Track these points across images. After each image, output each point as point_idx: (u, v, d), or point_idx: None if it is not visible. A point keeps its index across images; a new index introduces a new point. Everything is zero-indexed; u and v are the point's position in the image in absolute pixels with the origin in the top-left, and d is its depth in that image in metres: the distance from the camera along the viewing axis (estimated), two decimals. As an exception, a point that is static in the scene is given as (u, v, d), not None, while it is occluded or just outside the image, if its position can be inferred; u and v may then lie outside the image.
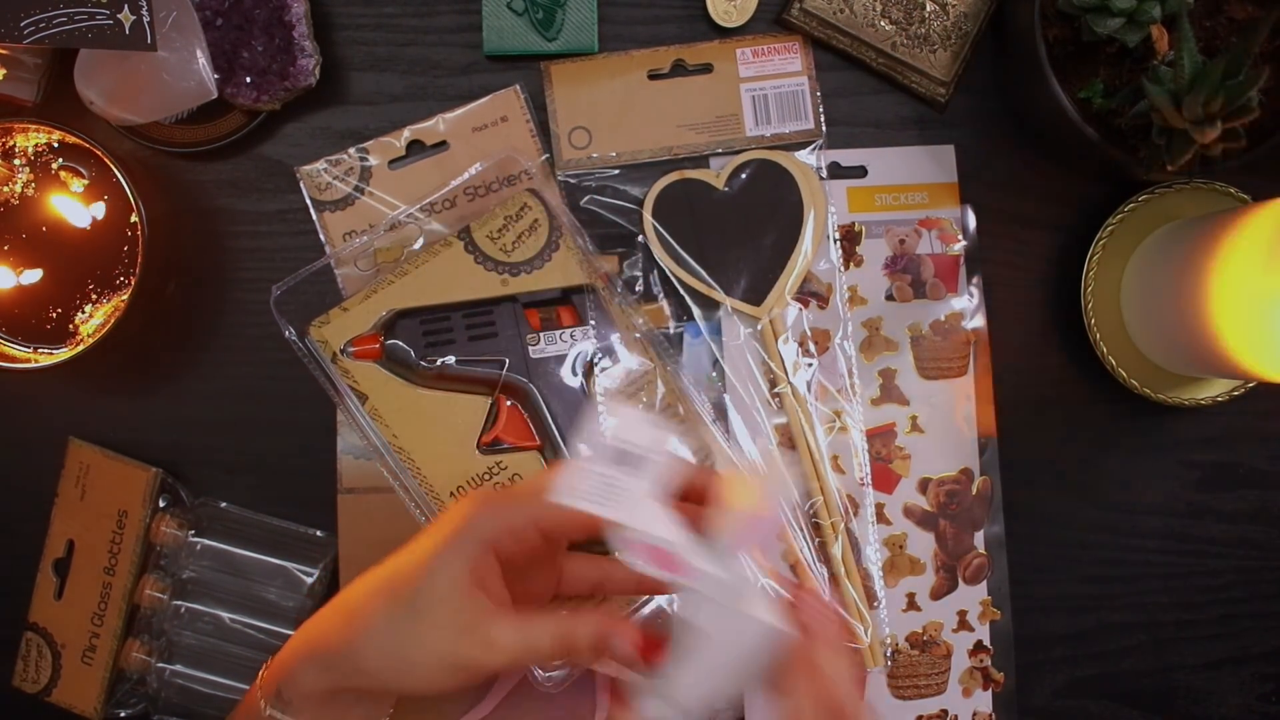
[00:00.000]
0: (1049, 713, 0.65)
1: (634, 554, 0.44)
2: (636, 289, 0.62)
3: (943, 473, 0.62)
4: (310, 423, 0.62)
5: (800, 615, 0.44)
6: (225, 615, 0.62)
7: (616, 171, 0.62)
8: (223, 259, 0.64)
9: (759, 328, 0.61)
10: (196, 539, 0.62)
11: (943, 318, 0.63)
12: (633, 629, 0.45)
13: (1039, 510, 0.65)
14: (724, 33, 0.63)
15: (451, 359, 0.57)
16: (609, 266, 0.61)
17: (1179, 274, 0.57)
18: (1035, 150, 0.64)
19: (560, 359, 0.58)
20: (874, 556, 0.61)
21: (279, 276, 0.58)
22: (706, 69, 0.63)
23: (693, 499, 0.47)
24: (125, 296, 0.58)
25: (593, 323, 0.59)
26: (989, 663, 0.62)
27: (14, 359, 0.59)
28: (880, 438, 0.62)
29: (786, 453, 0.61)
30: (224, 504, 0.63)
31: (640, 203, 0.62)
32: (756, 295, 0.61)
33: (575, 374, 0.58)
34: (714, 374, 0.62)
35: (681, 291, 0.61)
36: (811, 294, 0.62)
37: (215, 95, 0.59)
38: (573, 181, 0.62)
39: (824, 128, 0.63)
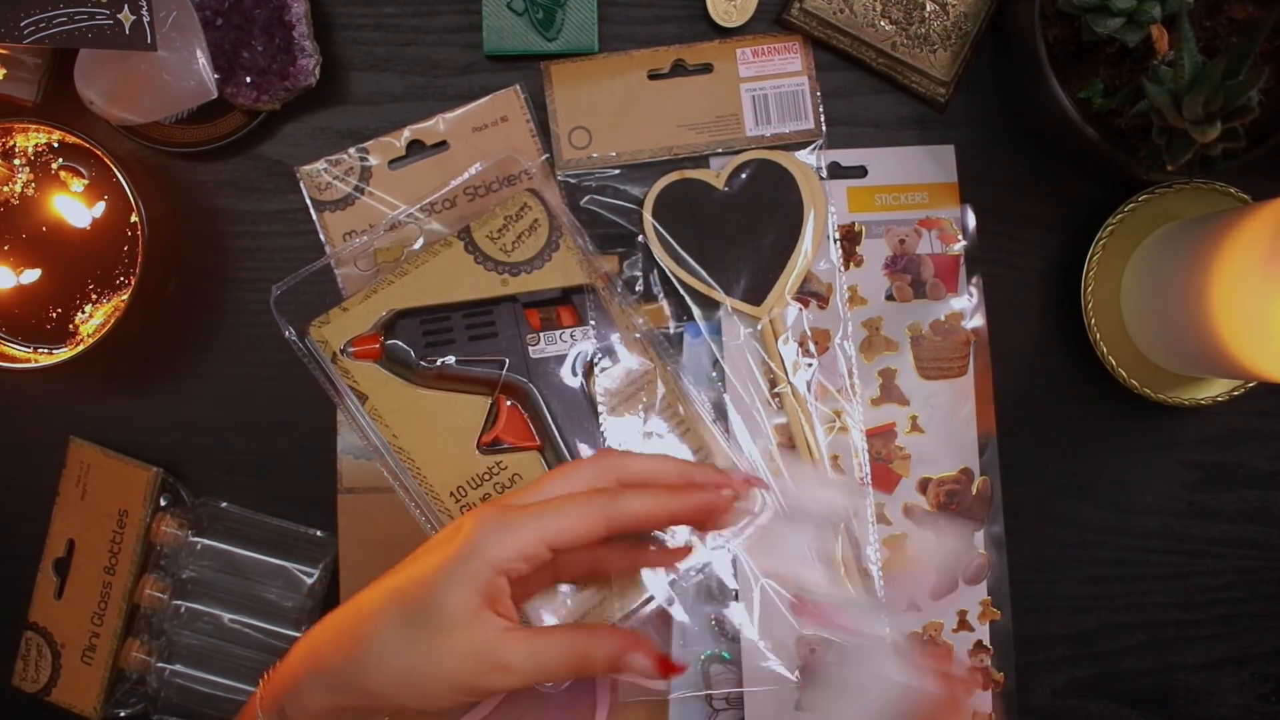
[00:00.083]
0: (1049, 713, 0.65)
1: (792, 605, 0.49)
2: (636, 289, 0.62)
3: (943, 473, 0.62)
4: (310, 423, 0.62)
5: (934, 677, 0.45)
6: (225, 615, 0.62)
7: (616, 171, 0.62)
8: (223, 259, 0.64)
9: (759, 328, 0.61)
10: (196, 539, 0.62)
11: (943, 318, 0.63)
12: (649, 644, 0.46)
13: (1039, 510, 0.65)
14: (724, 33, 0.63)
15: (451, 359, 0.57)
16: (609, 266, 0.61)
17: (1179, 274, 0.57)
18: (1035, 150, 0.64)
19: (560, 359, 0.58)
20: (874, 556, 0.61)
21: (279, 276, 0.58)
22: (706, 69, 0.63)
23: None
24: (125, 296, 0.58)
25: (593, 323, 0.59)
26: (989, 663, 0.62)
27: (14, 359, 0.59)
28: (880, 438, 0.62)
29: (787, 453, 0.61)
30: (224, 504, 0.64)
31: (640, 203, 0.62)
32: (756, 295, 0.61)
33: (575, 374, 0.58)
34: (714, 374, 0.62)
35: (681, 291, 0.61)
36: (811, 294, 0.62)
37: (215, 95, 0.59)
38: (573, 181, 0.62)
39: (824, 128, 0.63)
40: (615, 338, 0.59)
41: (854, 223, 0.63)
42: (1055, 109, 0.56)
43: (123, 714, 0.63)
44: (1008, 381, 0.64)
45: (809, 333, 0.62)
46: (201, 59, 0.58)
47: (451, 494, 0.57)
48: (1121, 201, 0.62)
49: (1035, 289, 0.65)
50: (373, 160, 0.62)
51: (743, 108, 0.62)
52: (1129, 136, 0.57)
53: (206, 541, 0.62)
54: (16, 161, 0.60)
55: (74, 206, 0.60)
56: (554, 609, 0.55)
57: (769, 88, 0.63)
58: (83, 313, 0.60)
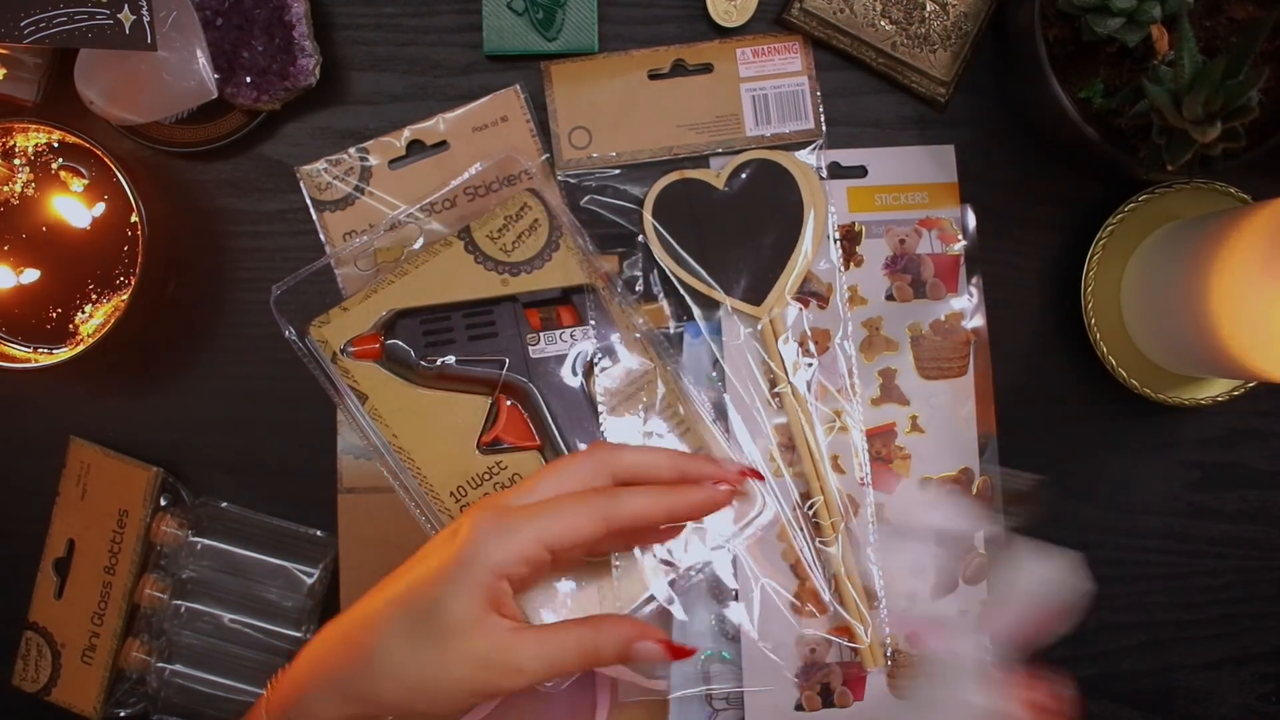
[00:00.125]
0: (1049, 713, 0.65)
1: (908, 621, 0.51)
2: (636, 289, 0.62)
3: (943, 472, 0.62)
4: (310, 423, 0.62)
5: (1024, 706, 0.47)
6: (225, 615, 0.62)
7: (616, 171, 0.62)
8: (223, 259, 0.64)
9: (759, 327, 0.61)
10: (196, 539, 0.62)
11: (943, 318, 0.63)
12: (657, 631, 0.46)
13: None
14: (724, 33, 0.63)
15: (451, 359, 0.57)
16: (609, 266, 0.61)
17: (1179, 274, 0.57)
18: (1035, 150, 0.64)
19: (560, 359, 0.58)
20: (874, 556, 0.61)
21: (279, 276, 0.58)
22: (706, 69, 0.63)
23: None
24: (125, 296, 0.58)
25: (593, 323, 0.59)
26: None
27: (14, 359, 0.59)
28: (880, 438, 0.62)
29: (787, 453, 0.61)
30: (224, 504, 0.64)
31: (640, 203, 0.62)
32: (756, 295, 0.61)
33: (575, 374, 0.58)
34: (714, 374, 0.62)
35: (681, 291, 0.61)
36: (811, 294, 0.62)
37: (215, 95, 0.59)
38: (573, 181, 0.62)
39: (824, 128, 0.63)
40: (615, 338, 0.59)
41: (854, 223, 0.63)
42: (1055, 109, 0.56)
43: (123, 714, 0.63)
44: (1008, 381, 0.64)
45: (809, 333, 0.62)
46: (201, 59, 0.58)
47: (451, 494, 0.57)
48: (1121, 201, 0.62)
49: (1035, 289, 0.65)
50: (373, 160, 0.62)
51: (743, 108, 0.62)
52: (1129, 136, 0.57)
53: (206, 541, 0.62)
54: (16, 161, 0.60)
55: (74, 206, 0.60)
56: (554, 609, 0.55)
57: (769, 88, 0.63)
58: (83, 313, 0.60)
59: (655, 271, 0.62)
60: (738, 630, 0.60)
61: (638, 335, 0.60)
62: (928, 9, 0.62)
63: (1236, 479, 0.66)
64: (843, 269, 0.62)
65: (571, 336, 0.59)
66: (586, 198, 0.62)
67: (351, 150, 0.62)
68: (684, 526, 0.54)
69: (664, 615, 0.58)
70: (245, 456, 0.64)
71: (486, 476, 0.58)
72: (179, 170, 0.64)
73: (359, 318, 0.58)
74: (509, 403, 0.58)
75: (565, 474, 0.47)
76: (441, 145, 0.62)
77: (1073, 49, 0.57)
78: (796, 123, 0.63)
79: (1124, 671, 0.65)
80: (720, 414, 0.61)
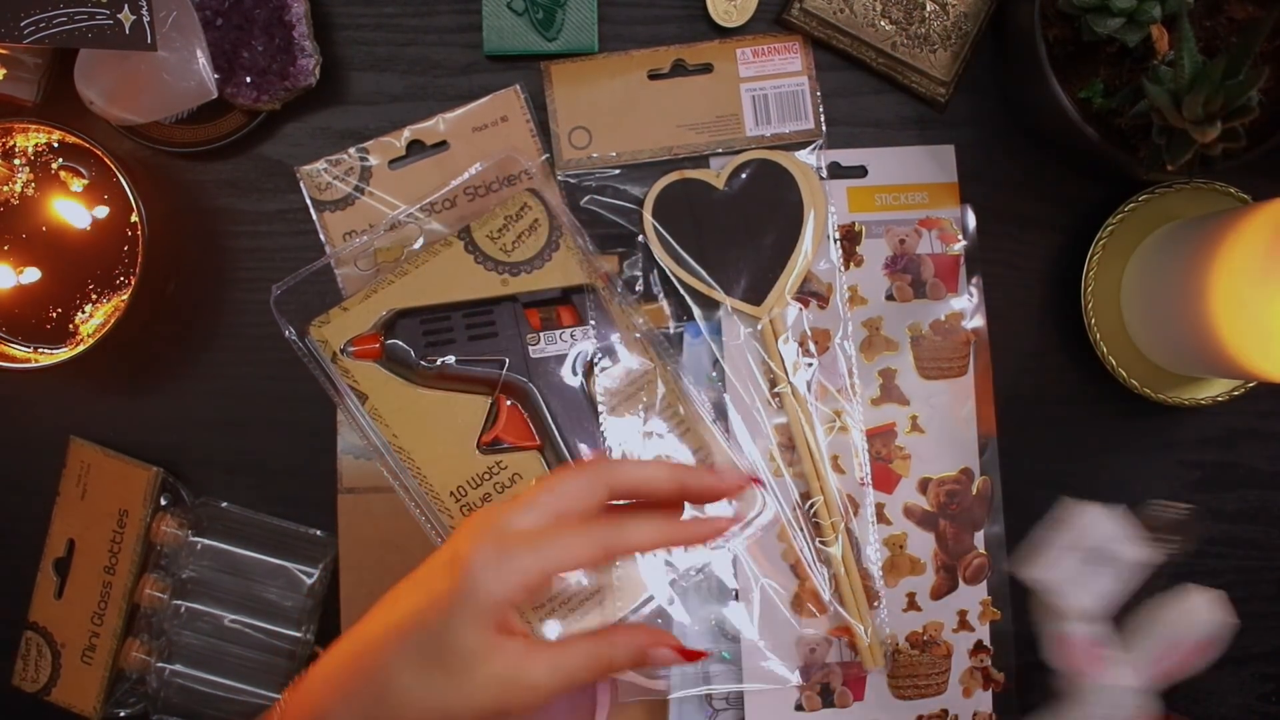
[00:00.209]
0: (1049, 713, 0.65)
1: (1067, 640, 0.53)
2: (636, 289, 0.62)
3: (943, 473, 0.62)
4: (310, 423, 0.62)
5: None
6: (225, 615, 0.62)
7: (616, 171, 0.62)
8: (223, 259, 0.64)
9: (759, 328, 0.61)
10: (197, 539, 0.62)
11: (943, 318, 0.63)
12: (669, 637, 0.47)
13: (1039, 510, 0.65)
14: (724, 33, 0.63)
15: (451, 359, 0.57)
16: (609, 266, 0.61)
17: (1179, 274, 0.57)
18: (1035, 150, 0.64)
19: (560, 359, 0.58)
20: (874, 556, 0.61)
21: (279, 276, 0.58)
22: (706, 69, 0.63)
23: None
24: (125, 296, 0.58)
25: (593, 323, 0.59)
26: (989, 663, 0.62)
27: (14, 359, 0.59)
28: (880, 438, 0.62)
29: (787, 453, 0.61)
30: (224, 504, 0.64)
31: (640, 203, 0.62)
32: (756, 295, 0.61)
33: (575, 374, 0.58)
34: (714, 374, 0.62)
35: (681, 291, 0.61)
36: (811, 294, 0.62)
37: (215, 95, 0.59)
38: (573, 181, 0.62)
39: (824, 128, 0.63)
40: (615, 338, 0.59)
41: (854, 223, 0.63)
42: (1055, 109, 0.56)
43: (122, 714, 0.63)
44: (1008, 381, 0.64)
45: (809, 333, 0.62)
46: (201, 59, 0.58)
47: (451, 493, 0.57)
48: (1121, 201, 0.62)
49: (1035, 289, 0.65)
50: (373, 160, 0.62)
51: (743, 108, 0.62)
52: (1129, 136, 0.57)
53: (206, 541, 0.62)
54: (16, 161, 0.60)
55: (74, 206, 0.60)
56: (555, 609, 0.55)
57: (769, 88, 0.63)
58: (83, 313, 0.60)
59: (655, 271, 0.62)
60: (738, 630, 0.60)
61: (638, 335, 0.60)
62: (928, 9, 0.62)
63: (1236, 479, 0.66)
64: (843, 269, 0.62)
65: (571, 336, 0.59)
66: (586, 198, 0.62)
67: (351, 150, 0.62)
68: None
69: (662, 615, 0.58)
70: (245, 456, 0.64)
71: (486, 476, 0.58)
72: (179, 170, 0.64)
73: (359, 318, 0.58)
74: (509, 403, 0.58)
75: (562, 491, 0.46)
76: (441, 145, 0.62)
77: (1073, 49, 0.57)
78: (796, 123, 0.63)
79: (1124, 671, 0.65)
80: (720, 414, 0.61)
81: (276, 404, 0.63)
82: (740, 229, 0.61)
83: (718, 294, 0.61)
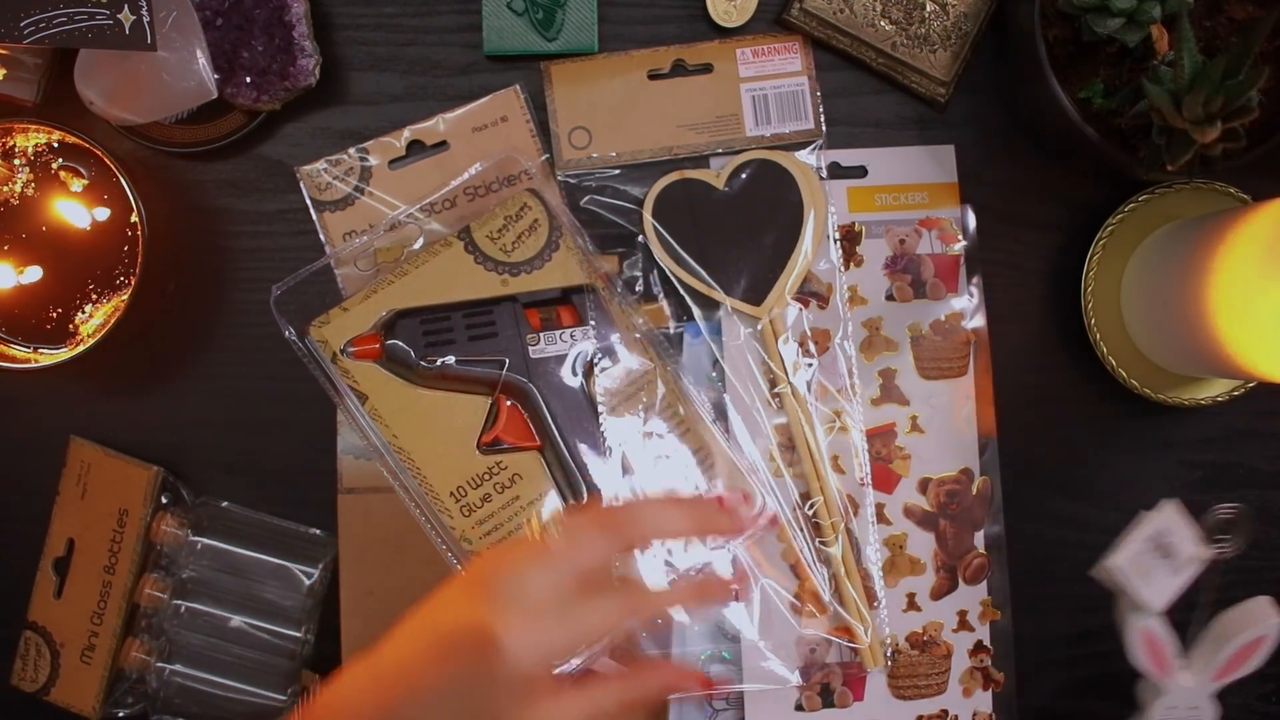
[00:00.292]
0: (1049, 713, 0.65)
1: (1138, 636, 0.56)
2: (636, 289, 0.62)
3: (943, 473, 0.62)
4: (310, 423, 0.62)
5: None
6: (225, 615, 0.62)
7: (616, 171, 0.62)
8: (223, 259, 0.64)
9: (759, 328, 0.61)
10: (197, 538, 0.62)
11: (943, 318, 0.63)
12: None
13: (1039, 510, 0.65)
14: (724, 33, 0.63)
15: (451, 359, 0.57)
16: (609, 266, 0.61)
17: (1179, 274, 0.57)
18: (1035, 150, 0.64)
19: (560, 359, 0.58)
20: (874, 556, 0.61)
21: (279, 276, 0.58)
22: (706, 69, 0.63)
23: None
24: (125, 296, 0.58)
25: (593, 323, 0.59)
26: (989, 663, 0.62)
27: (14, 359, 0.59)
28: (880, 438, 0.62)
29: (787, 453, 0.61)
30: (224, 503, 0.64)
31: (640, 203, 0.62)
32: (756, 295, 0.61)
33: (575, 374, 0.58)
34: (714, 374, 0.62)
35: (681, 291, 0.61)
36: (811, 294, 0.62)
37: (215, 95, 0.59)
38: (573, 181, 0.62)
39: (824, 128, 0.63)
40: (615, 338, 0.59)
41: (854, 223, 0.63)
42: (1055, 109, 0.56)
43: (122, 714, 0.63)
44: (1008, 381, 0.64)
45: (809, 333, 0.62)
46: (201, 59, 0.58)
47: (451, 494, 0.57)
48: (1121, 201, 0.62)
49: (1035, 289, 0.65)
50: (373, 160, 0.62)
51: (743, 108, 0.62)
52: (1129, 136, 0.57)
53: (206, 541, 0.62)
54: (16, 161, 0.60)
55: (74, 206, 0.60)
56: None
57: (769, 88, 0.63)
58: (83, 313, 0.60)
59: (655, 271, 0.62)
60: (738, 630, 0.60)
61: (638, 335, 0.60)
62: (928, 9, 0.62)
63: (1236, 479, 0.65)
64: (843, 269, 0.62)
65: (571, 337, 0.59)
66: (586, 198, 0.62)
67: (351, 150, 0.62)
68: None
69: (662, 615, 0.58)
70: (245, 456, 0.64)
71: (486, 476, 0.58)
72: (179, 170, 0.64)
73: (359, 318, 0.58)
74: (509, 403, 0.58)
75: (582, 550, 0.46)
76: (441, 145, 0.62)
77: (1073, 49, 0.57)
78: (796, 123, 0.63)
79: (1124, 671, 0.65)
80: (720, 414, 0.61)
81: (276, 404, 0.63)
82: (740, 229, 0.61)
83: (718, 294, 0.61)
